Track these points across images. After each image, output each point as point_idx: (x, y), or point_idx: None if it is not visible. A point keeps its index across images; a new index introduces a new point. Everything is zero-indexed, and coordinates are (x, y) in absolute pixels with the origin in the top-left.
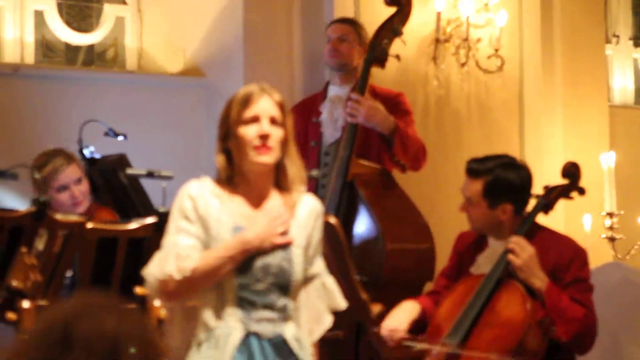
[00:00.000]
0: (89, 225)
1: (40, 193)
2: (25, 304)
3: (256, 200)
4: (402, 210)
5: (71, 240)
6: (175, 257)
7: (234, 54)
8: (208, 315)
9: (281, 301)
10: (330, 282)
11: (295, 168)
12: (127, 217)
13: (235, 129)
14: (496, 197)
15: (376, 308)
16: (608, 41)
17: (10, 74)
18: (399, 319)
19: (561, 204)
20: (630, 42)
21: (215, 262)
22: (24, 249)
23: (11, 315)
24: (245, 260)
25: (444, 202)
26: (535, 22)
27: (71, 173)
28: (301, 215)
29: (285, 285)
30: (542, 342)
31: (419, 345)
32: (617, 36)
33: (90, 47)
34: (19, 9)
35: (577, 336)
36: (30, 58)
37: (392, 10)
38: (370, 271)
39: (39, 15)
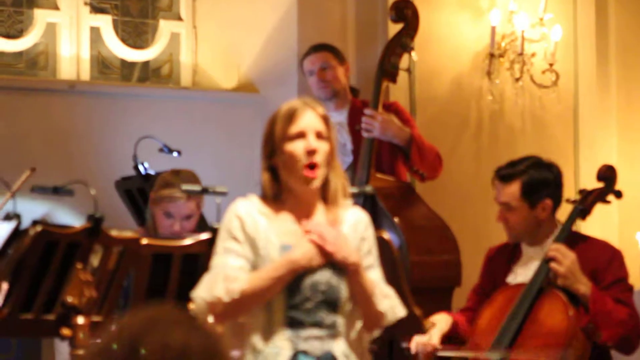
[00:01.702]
0: (144, 241)
1: (152, 204)
2: (80, 320)
3: (303, 216)
4: (425, 220)
5: (126, 256)
6: (224, 279)
7: (288, 69)
8: (256, 338)
9: (330, 318)
10: (388, 291)
11: (339, 181)
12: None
13: (281, 145)
14: (535, 195)
15: (428, 323)
16: None
17: (67, 90)
18: (430, 332)
19: (615, 220)
20: None
21: (264, 283)
22: (79, 265)
23: (66, 331)
24: (293, 280)
25: (494, 216)
26: (590, 37)
27: (183, 208)
28: (345, 229)
29: (334, 302)
30: (586, 348)
31: (455, 354)
32: None
33: (146, 64)
34: (75, 25)
35: (622, 340)
36: (86, 74)
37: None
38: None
39: (94, 32)
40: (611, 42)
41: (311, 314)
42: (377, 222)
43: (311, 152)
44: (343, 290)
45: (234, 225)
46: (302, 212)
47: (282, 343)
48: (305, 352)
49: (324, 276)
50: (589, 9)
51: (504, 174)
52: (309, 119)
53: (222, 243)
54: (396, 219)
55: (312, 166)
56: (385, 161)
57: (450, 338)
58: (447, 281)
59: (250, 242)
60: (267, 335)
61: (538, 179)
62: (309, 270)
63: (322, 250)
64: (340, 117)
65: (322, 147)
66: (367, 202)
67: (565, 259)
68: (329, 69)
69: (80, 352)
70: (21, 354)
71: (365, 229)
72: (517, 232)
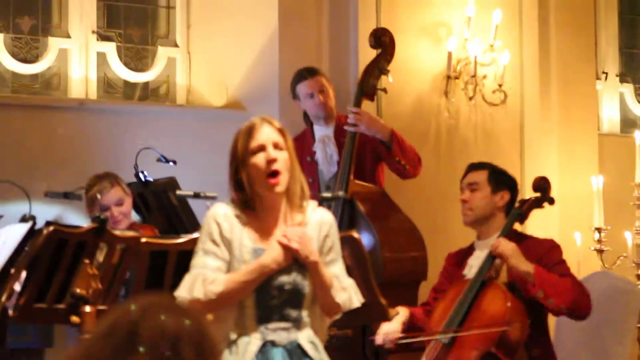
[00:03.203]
0: (143, 239)
1: (88, 210)
2: (87, 308)
3: (271, 220)
4: (397, 222)
5: (127, 253)
6: (203, 281)
7: (270, 89)
8: (230, 329)
9: (295, 313)
10: (348, 283)
11: (299, 186)
12: (176, 233)
13: (245, 160)
14: (499, 183)
15: (393, 312)
16: (598, 77)
17: (77, 107)
18: (391, 324)
19: (555, 222)
20: (617, 78)
21: (238, 286)
22: (86, 261)
23: (75, 319)
24: (264, 281)
25: (454, 216)
26: (534, 61)
27: (112, 196)
28: (310, 228)
29: (298, 300)
30: (525, 326)
31: (415, 339)
32: (606, 73)
33: (146, 84)
34: (84, 50)
35: (573, 303)
36: (93, 94)
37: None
38: None
39: (101, 57)
40: (552, 66)
41: (278, 310)
42: (356, 223)
43: (271, 161)
44: (307, 287)
45: (213, 229)
46: (271, 217)
47: (253, 334)
48: (273, 342)
49: (290, 277)
50: (533, 37)
51: (477, 164)
52: (267, 133)
53: (202, 245)
54: (372, 221)
55: (274, 174)
56: (367, 168)
57: (410, 327)
58: (415, 275)
59: (226, 244)
60: (240, 327)
61: (502, 175)
62: (277, 271)
63: (288, 249)
64: (328, 130)
65: (281, 156)
66: (346, 205)
67: (507, 244)
68: (324, 92)
69: (87, 336)
70: (36, 337)
71: (329, 227)
72: (474, 212)
